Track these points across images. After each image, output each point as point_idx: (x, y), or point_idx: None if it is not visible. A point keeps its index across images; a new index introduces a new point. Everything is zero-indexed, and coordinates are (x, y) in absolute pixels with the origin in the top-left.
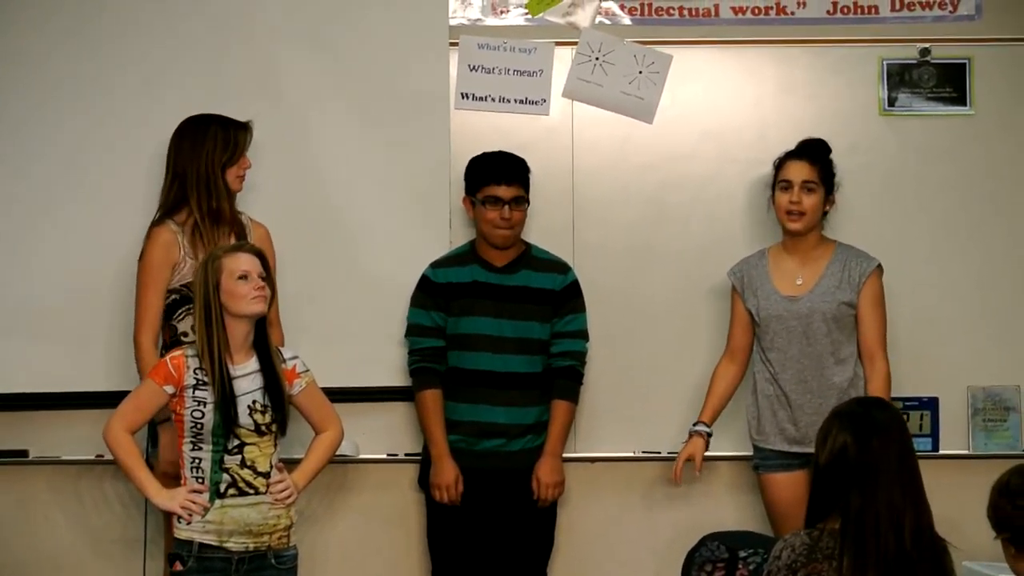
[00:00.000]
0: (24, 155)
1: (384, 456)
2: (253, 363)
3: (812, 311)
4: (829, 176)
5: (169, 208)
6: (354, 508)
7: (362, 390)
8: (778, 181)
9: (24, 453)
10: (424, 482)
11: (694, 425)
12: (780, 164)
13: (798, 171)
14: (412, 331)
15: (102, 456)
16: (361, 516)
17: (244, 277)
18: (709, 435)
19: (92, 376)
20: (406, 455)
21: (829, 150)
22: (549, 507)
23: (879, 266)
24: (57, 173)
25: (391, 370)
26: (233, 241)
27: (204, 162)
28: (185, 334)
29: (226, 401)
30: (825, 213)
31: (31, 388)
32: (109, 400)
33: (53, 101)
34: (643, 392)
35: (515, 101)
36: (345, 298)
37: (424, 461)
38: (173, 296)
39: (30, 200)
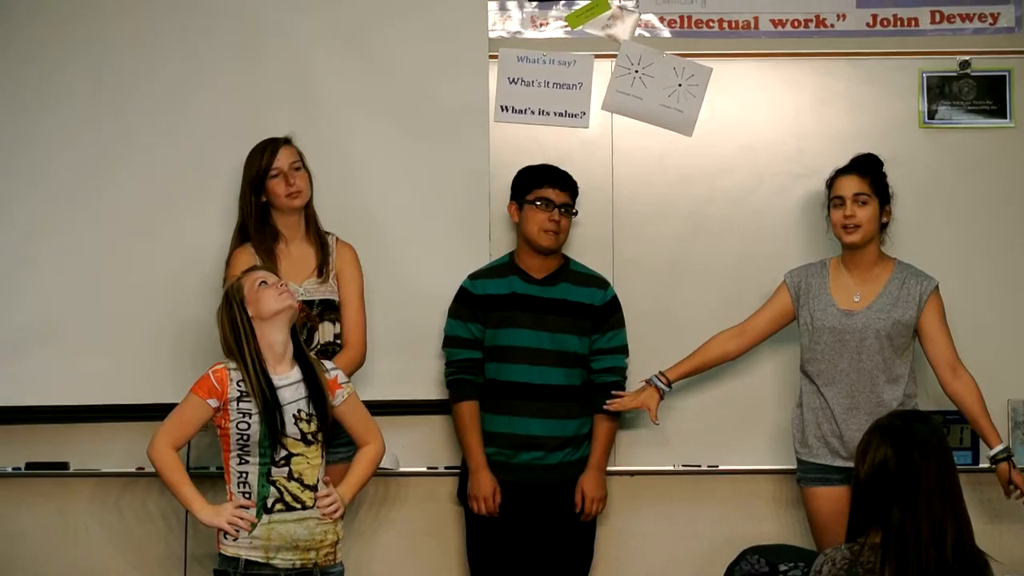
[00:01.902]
0: (57, 168)
1: (424, 469)
2: (295, 373)
3: (867, 327)
4: (882, 188)
5: (242, 236)
6: (394, 521)
7: (402, 403)
8: (831, 199)
9: (65, 465)
10: (463, 495)
11: (657, 376)
12: (831, 182)
13: (848, 185)
14: (449, 343)
15: (143, 469)
16: (401, 529)
17: (264, 283)
18: (664, 392)
19: (133, 388)
20: (446, 468)
21: (880, 163)
22: (589, 520)
23: (937, 285)
24: (86, 185)
25: (431, 383)
26: (306, 259)
27: (243, 189)
28: None
29: (271, 410)
30: (884, 225)
31: (72, 400)
32: (151, 412)
33: (78, 110)
34: (683, 405)
35: (554, 114)
36: (384, 310)
37: (463, 474)
38: None
39: (69, 215)
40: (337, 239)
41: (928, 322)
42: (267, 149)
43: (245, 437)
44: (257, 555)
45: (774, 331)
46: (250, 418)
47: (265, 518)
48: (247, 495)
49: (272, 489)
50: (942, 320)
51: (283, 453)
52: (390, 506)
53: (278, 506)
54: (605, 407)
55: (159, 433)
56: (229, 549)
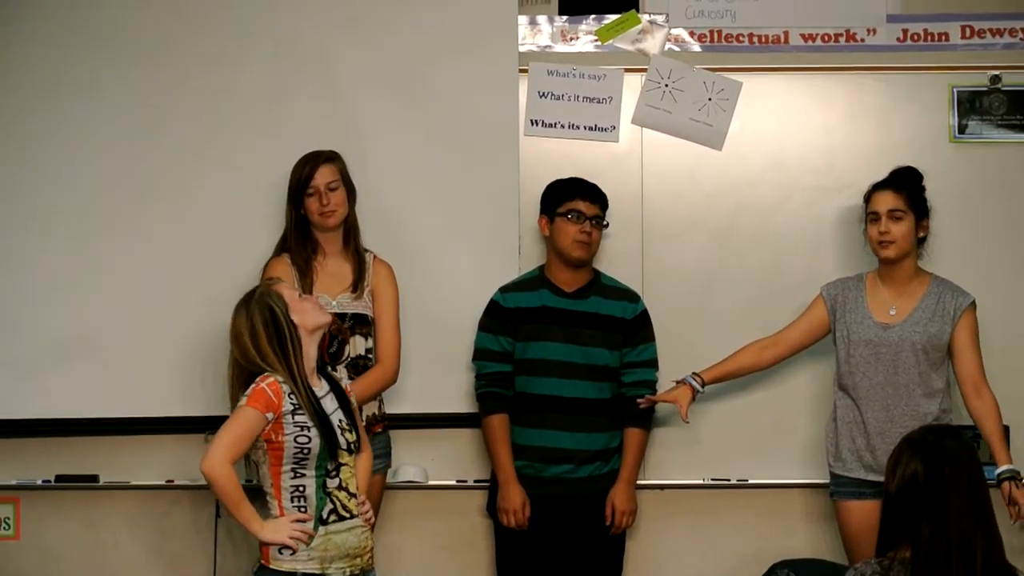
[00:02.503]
0: (77, 184)
1: (453, 482)
2: (325, 385)
3: (902, 340)
4: (918, 202)
5: (283, 245)
6: (424, 534)
7: (432, 416)
8: (868, 214)
9: (95, 478)
10: (493, 508)
11: (692, 376)
12: (868, 197)
13: (883, 201)
14: (479, 356)
15: (172, 481)
16: (431, 543)
17: (301, 296)
18: (697, 392)
19: (163, 402)
20: (475, 481)
21: (917, 177)
22: (618, 534)
23: (973, 302)
24: (119, 200)
25: (461, 396)
26: (342, 275)
27: (286, 202)
28: None
29: (325, 423)
30: (922, 240)
31: (102, 413)
32: (180, 426)
33: (107, 128)
34: (712, 419)
35: (584, 128)
36: (414, 323)
37: (492, 487)
38: None
39: (100, 229)
40: (375, 257)
41: (959, 338)
42: (308, 164)
43: (305, 451)
44: (313, 567)
45: (808, 344)
46: (309, 431)
47: (322, 529)
48: (302, 508)
49: (328, 501)
50: (973, 337)
51: (334, 464)
52: (419, 519)
53: (332, 517)
54: (638, 402)
55: (216, 449)
56: (284, 564)
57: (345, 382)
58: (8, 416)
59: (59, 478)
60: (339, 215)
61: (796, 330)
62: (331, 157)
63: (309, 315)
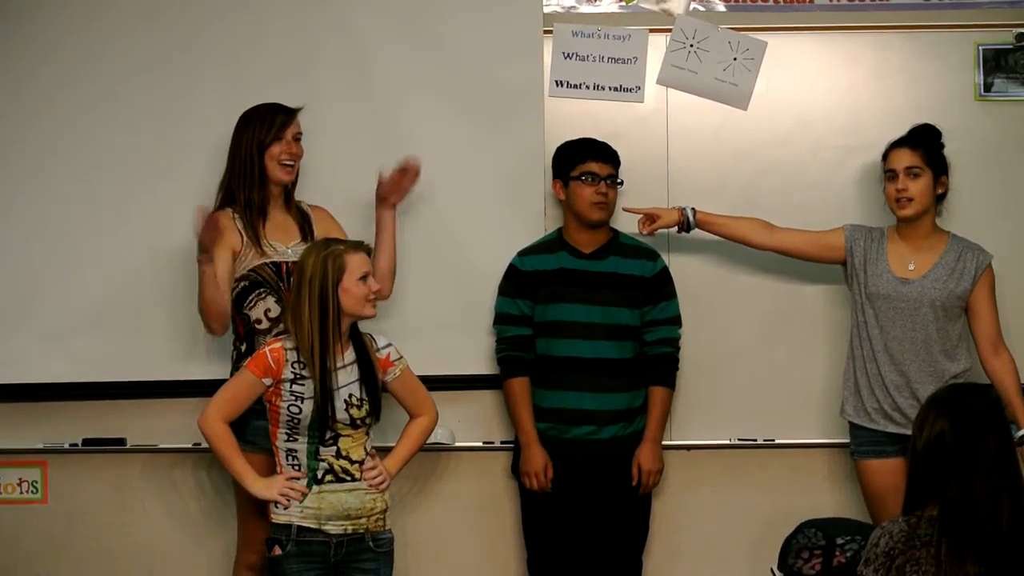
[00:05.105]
0: (106, 147)
1: (479, 444)
2: (350, 355)
3: (922, 296)
4: (937, 159)
5: (225, 198)
6: (450, 495)
7: (458, 378)
8: (886, 172)
9: (121, 441)
10: (517, 470)
11: (690, 207)
12: (885, 156)
13: (901, 158)
14: (499, 320)
15: (199, 444)
16: (457, 504)
17: (364, 278)
18: (685, 223)
19: (189, 365)
20: (502, 443)
21: (935, 134)
22: (645, 494)
23: (991, 260)
24: (142, 164)
25: (488, 358)
26: (289, 226)
27: (244, 147)
28: (259, 321)
29: (325, 398)
30: (940, 197)
31: (129, 377)
32: (206, 389)
33: (136, 91)
34: (739, 379)
35: (609, 88)
36: (441, 286)
37: (517, 449)
38: (242, 283)
39: (123, 191)
40: (310, 205)
41: (979, 297)
42: (280, 113)
43: (295, 420)
44: (309, 522)
45: (806, 254)
46: (302, 402)
47: (316, 488)
48: (297, 467)
49: (322, 464)
50: (991, 296)
51: (331, 435)
52: (446, 481)
53: (328, 477)
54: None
55: (211, 406)
56: (281, 517)
57: (386, 352)
58: (35, 380)
59: (86, 441)
60: (297, 168)
61: (803, 236)
62: (297, 109)
63: (353, 302)
